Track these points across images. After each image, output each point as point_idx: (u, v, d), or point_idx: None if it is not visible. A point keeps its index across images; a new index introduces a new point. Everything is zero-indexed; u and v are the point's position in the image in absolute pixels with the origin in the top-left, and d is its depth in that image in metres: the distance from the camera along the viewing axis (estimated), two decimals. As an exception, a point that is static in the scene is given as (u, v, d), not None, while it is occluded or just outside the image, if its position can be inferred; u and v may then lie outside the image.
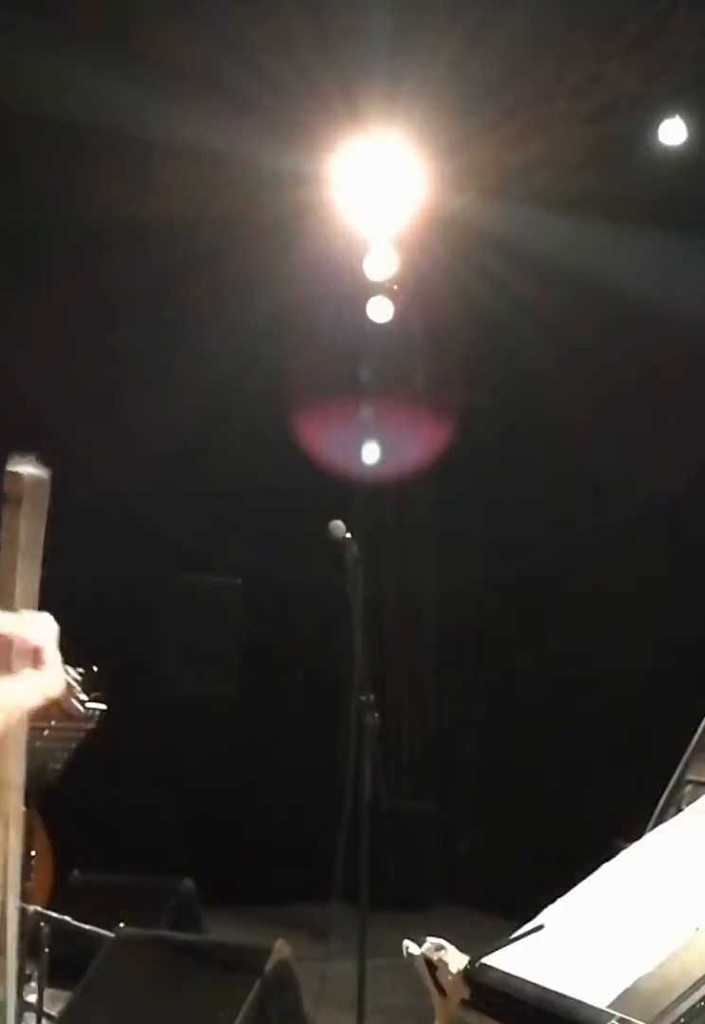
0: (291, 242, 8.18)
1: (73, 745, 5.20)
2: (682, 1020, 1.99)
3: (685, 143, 7.15)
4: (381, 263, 8.38)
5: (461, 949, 2.36)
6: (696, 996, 2.02)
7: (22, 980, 5.27)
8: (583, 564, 8.00)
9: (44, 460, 1.56)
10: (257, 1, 6.74)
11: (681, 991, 2.04)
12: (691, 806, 2.75)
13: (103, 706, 4.45)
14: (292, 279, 8.34)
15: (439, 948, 2.34)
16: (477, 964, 2.28)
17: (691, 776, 2.88)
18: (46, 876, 7.09)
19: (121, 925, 5.29)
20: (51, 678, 1.57)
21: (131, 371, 8.30)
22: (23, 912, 5.23)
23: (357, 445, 9.47)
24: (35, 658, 1.54)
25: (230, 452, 8.55)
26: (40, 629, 1.58)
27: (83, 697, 1.70)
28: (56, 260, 7.71)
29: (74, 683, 1.66)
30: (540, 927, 2.34)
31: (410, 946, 2.38)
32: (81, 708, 1.68)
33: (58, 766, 5.30)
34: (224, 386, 8.32)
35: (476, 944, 2.35)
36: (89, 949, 5.24)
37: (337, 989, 5.42)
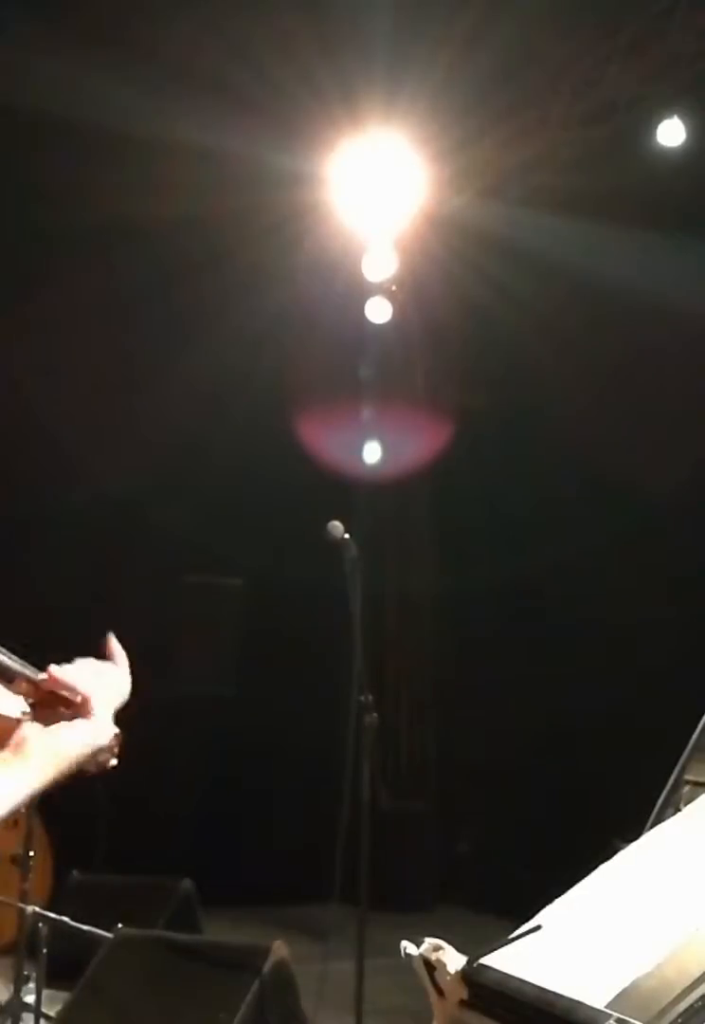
0: (291, 242, 8.18)
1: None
2: (680, 1020, 2.00)
3: (684, 144, 7.15)
4: (380, 263, 8.39)
5: (459, 949, 2.36)
6: (694, 996, 2.02)
7: (20, 980, 5.28)
8: (583, 564, 7.99)
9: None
10: (258, 3, 6.74)
11: (679, 991, 2.04)
12: (689, 806, 2.76)
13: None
14: (292, 279, 8.34)
15: (437, 948, 2.34)
16: (475, 964, 2.28)
17: (689, 776, 2.89)
18: (45, 876, 7.10)
19: (120, 925, 5.29)
20: (99, 729, 1.56)
21: (130, 371, 8.30)
22: (22, 912, 5.24)
23: (357, 445, 9.47)
24: (83, 707, 1.54)
25: (230, 452, 8.55)
26: (91, 678, 1.57)
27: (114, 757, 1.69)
28: (57, 259, 7.71)
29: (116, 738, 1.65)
30: (538, 927, 2.34)
31: (408, 946, 2.38)
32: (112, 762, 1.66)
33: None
34: (224, 386, 8.32)
35: (474, 944, 2.35)
36: (88, 949, 5.24)
37: (336, 989, 5.42)
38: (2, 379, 7.62)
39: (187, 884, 6.50)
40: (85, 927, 5.21)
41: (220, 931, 6.86)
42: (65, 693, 1.54)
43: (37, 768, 1.50)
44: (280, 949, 4.97)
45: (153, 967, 5.14)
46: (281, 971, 4.94)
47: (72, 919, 5.20)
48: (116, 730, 1.63)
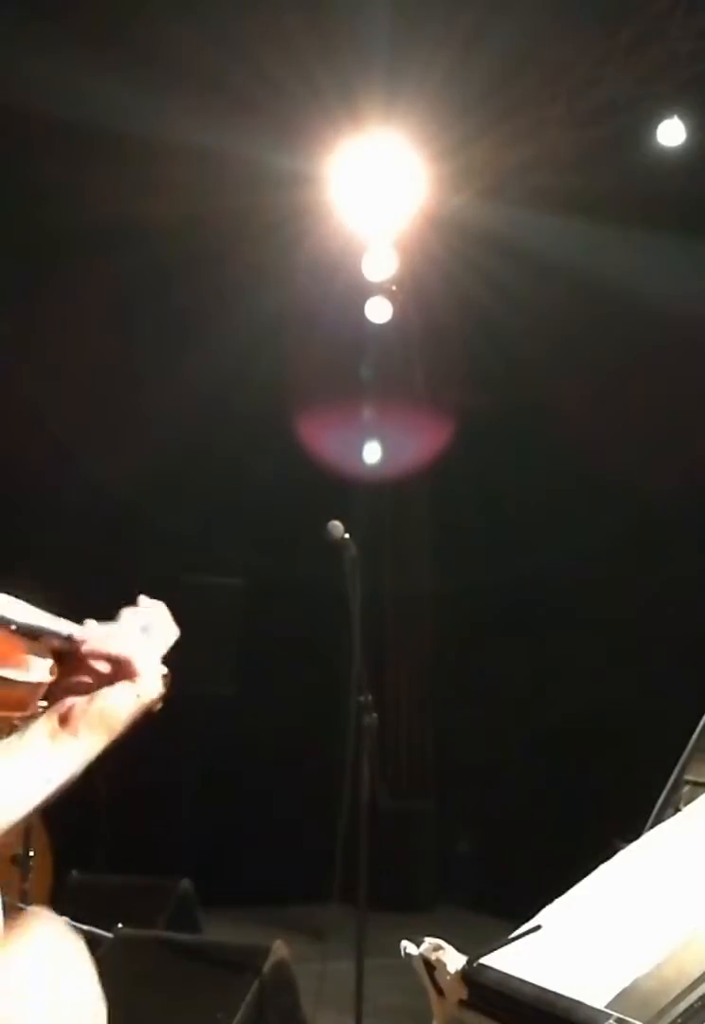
0: (291, 242, 8.19)
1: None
2: (680, 1020, 2.00)
3: (684, 144, 7.15)
4: (380, 263, 8.39)
5: (459, 949, 2.36)
6: (693, 996, 2.02)
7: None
8: (582, 563, 7.99)
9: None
10: (258, 3, 6.74)
11: (679, 991, 2.04)
12: (689, 806, 2.76)
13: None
14: (292, 279, 8.35)
15: (437, 948, 2.34)
16: (475, 964, 2.29)
17: (689, 776, 2.89)
18: (45, 876, 7.10)
19: (120, 925, 5.28)
20: (145, 685, 1.53)
21: (130, 371, 8.30)
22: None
23: (357, 445, 9.47)
24: (126, 668, 1.50)
25: (230, 452, 8.55)
26: (133, 632, 1.54)
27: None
28: (57, 259, 7.72)
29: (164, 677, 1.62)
30: (538, 927, 2.35)
31: (408, 946, 2.38)
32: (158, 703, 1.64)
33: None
34: (223, 386, 8.31)
35: (474, 944, 2.35)
36: (87, 949, 5.23)
37: (335, 990, 5.43)
38: (2, 379, 7.61)
39: (187, 884, 6.49)
40: (85, 927, 5.20)
41: (220, 931, 6.85)
42: (101, 664, 1.50)
43: (87, 739, 1.49)
44: (280, 949, 4.97)
45: (152, 967, 5.14)
46: (281, 971, 4.94)
47: (72, 919, 5.18)
48: (164, 671, 1.60)
